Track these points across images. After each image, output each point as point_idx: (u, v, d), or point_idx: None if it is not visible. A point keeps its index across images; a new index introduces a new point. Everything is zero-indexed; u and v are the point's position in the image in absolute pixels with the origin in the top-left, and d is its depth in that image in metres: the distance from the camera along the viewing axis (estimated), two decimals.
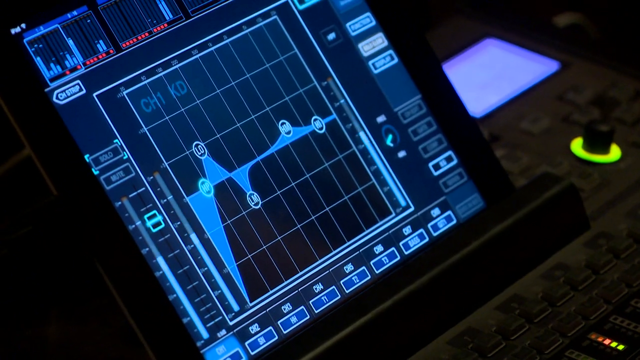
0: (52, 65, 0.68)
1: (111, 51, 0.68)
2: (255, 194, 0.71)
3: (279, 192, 0.72)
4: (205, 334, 0.65)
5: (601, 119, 0.87)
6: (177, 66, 0.69)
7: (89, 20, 0.69)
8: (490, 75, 0.97)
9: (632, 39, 1.28)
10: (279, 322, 0.69)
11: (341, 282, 0.72)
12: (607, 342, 0.66)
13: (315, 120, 0.76)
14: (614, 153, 0.83)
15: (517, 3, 1.15)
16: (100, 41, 0.68)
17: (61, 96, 0.67)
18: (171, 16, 0.70)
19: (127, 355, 0.86)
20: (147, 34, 0.69)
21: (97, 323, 0.87)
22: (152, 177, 0.67)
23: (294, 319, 0.69)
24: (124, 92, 0.68)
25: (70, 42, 0.69)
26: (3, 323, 0.90)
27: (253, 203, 0.70)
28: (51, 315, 0.89)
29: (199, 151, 0.69)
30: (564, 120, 0.89)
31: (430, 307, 0.72)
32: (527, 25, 0.99)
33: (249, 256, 0.69)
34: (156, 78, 0.69)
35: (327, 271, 0.73)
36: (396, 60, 0.78)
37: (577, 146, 0.85)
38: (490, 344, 0.65)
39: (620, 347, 0.65)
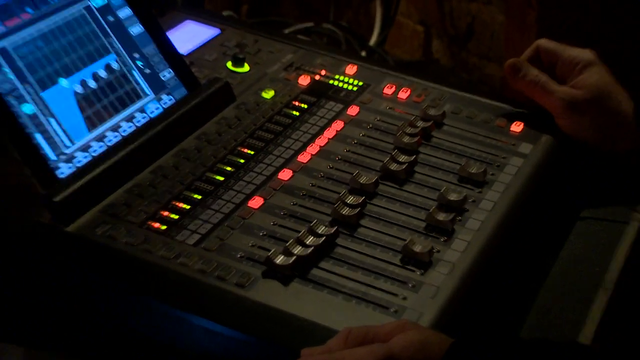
0: None
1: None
2: (80, 86, 1.05)
3: (94, 88, 1.06)
4: (53, 157, 0.99)
5: (242, 56, 1.21)
6: (36, 35, 1.02)
7: None
8: (188, 37, 1.27)
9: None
10: (90, 150, 1.02)
11: (119, 130, 1.06)
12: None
13: (106, 57, 1.09)
14: (246, 68, 1.21)
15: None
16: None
17: None
18: (31, 11, 1.03)
19: None
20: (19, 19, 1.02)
21: None
22: (23, 85, 0.98)
23: (99, 150, 1.02)
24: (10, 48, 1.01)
25: None
26: None
27: (82, 91, 1.05)
28: None
29: (56, 71, 1.03)
30: (224, 54, 1.23)
31: (164, 137, 1.05)
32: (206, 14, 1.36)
33: (81, 116, 1.03)
34: (26, 41, 1.01)
35: (114, 125, 1.05)
36: (142, 29, 1.13)
37: (229, 65, 1.21)
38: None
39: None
